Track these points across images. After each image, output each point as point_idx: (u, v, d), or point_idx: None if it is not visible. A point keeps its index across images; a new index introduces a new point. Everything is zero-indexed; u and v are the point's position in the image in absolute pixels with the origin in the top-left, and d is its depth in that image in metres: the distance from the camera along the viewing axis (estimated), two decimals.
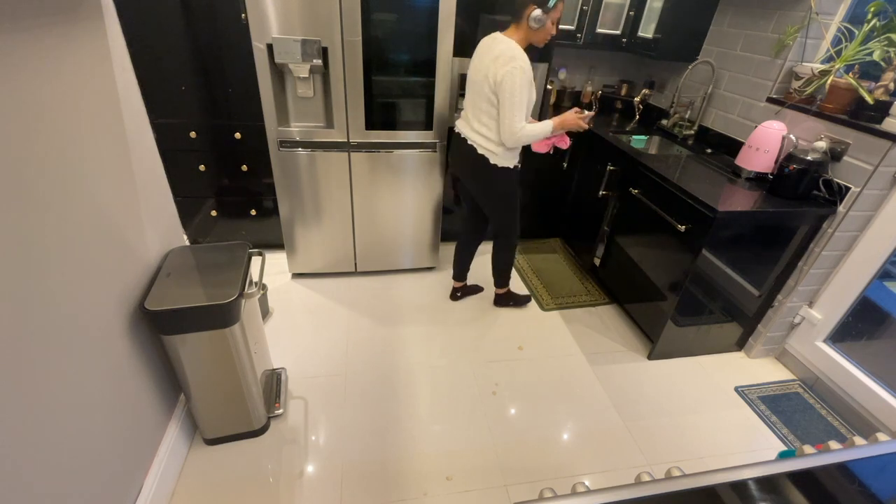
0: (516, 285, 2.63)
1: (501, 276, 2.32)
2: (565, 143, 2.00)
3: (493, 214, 2.09)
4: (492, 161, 1.84)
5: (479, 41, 1.83)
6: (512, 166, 1.89)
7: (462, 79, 2.51)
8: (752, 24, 2.18)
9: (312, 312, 2.27)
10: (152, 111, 2.07)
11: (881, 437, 0.76)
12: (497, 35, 1.75)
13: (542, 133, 1.81)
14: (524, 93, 1.69)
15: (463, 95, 2.53)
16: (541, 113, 2.53)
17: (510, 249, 2.21)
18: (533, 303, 2.49)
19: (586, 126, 1.90)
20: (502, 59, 1.67)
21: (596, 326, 2.34)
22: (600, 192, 2.41)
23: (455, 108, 2.49)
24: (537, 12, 1.65)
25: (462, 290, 2.45)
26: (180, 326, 1.27)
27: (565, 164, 2.75)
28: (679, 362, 2.15)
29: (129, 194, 1.27)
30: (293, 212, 2.27)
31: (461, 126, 1.93)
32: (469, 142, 1.87)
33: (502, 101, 1.70)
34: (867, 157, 1.69)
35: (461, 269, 2.38)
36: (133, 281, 1.26)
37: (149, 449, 1.34)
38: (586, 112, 1.90)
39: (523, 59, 1.68)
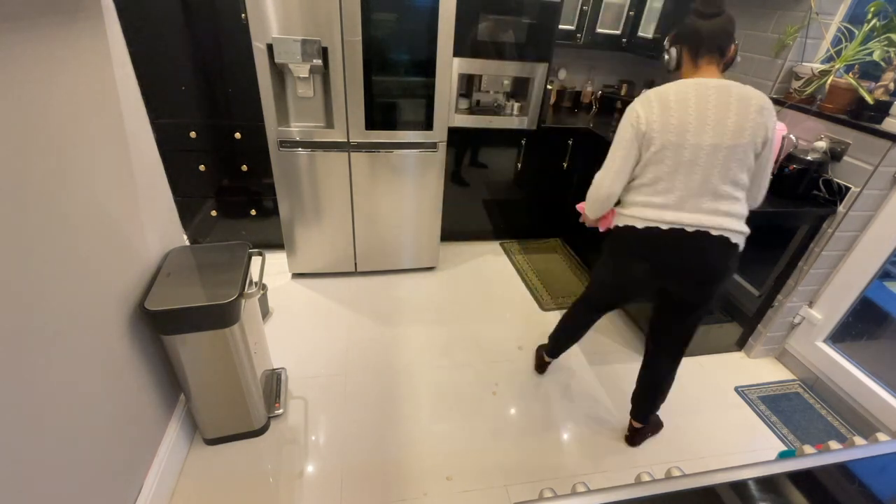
0: (516, 285, 2.62)
1: (656, 405, 1.67)
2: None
3: (688, 324, 1.50)
4: (740, 246, 1.31)
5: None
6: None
7: (462, 78, 2.51)
8: (752, 24, 2.18)
9: (312, 312, 2.27)
10: (152, 111, 2.07)
11: (881, 437, 0.76)
12: (725, 81, 1.23)
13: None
14: None
15: (463, 95, 2.54)
16: (540, 113, 2.53)
17: (676, 369, 1.62)
18: (533, 302, 2.49)
19: None
20: (768, 109, 1.22)
21: (596, 326, 2.33)
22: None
23: (455, 107, 2.50)
24: (738, 55, 1.36)
25: (547, 366, 2.00)
26: (180, 326, 1.27)
27: (566, 165, 2.75)
28: None
29: (129, 194, 1.27)
30: (293, 212, 2.27)
31: (690, 219, 1.27)
32: (715, 232, 1.27)
33: (769, 159, 1.29)
34: (867, 157, 1.69)
35: (562, 349, 1.92)
36: (133, 281, 1.26)
37: (149, 449, 1.34)
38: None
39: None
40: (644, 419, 1.67)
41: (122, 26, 1.25)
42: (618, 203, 1.45)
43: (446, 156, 2.29)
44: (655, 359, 1.61)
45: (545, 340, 2.22)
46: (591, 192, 1.45)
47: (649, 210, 1.32)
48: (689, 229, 1.28)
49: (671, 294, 1.44)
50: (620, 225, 1.40)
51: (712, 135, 1.22)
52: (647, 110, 1.27)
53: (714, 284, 1.35)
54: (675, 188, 1.28)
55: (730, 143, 1.21)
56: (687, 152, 1.24)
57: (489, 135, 2.57)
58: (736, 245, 1.30)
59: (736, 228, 1.28)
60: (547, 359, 1.97)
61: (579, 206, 1.63)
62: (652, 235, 1.32)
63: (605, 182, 1.39)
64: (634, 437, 1.72)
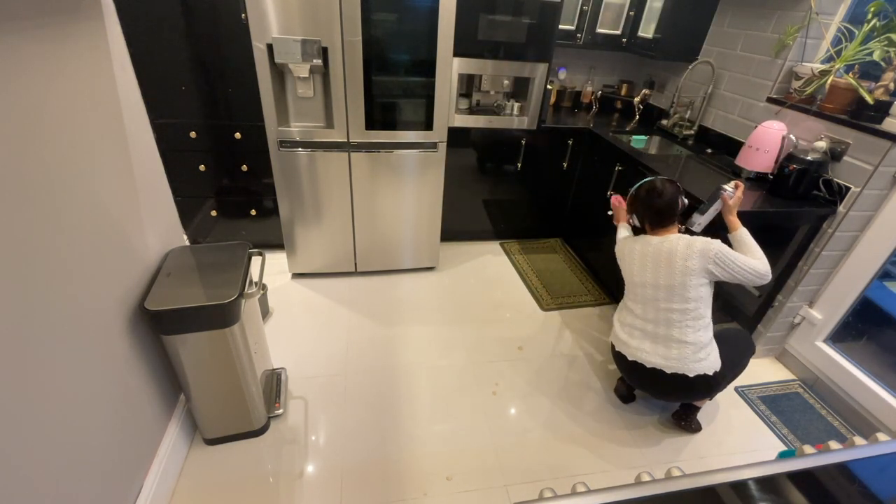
0: (516, 285, 2.63)
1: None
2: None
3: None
4: (709, 374, 1.54)
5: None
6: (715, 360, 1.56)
7: (462, 78, 2.51)
8: (752, 24, 2.18)
9: (312, 312, 2.27)
10: (152, 111, 2.07)
11: (881, 437, 0.76)
12: (664, 237, 1.56)
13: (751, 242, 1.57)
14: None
15: (463, 95, 2.54)
16: (540, 111, 2.53)
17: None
18: (533, 302, 2.49)
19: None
20: (695, 251, 1.49)
21: (596, 326, 2.34)
22: (608, 193, 2.41)
23: (455, 108, 2.50)
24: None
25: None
26: (180, 326, 1.27)
27: (566, 165, 2.75)
28: None
29: (129, 194, 1.27)
30: (293, 212, 2.27)
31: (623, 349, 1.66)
32: (649, 367, 1.59)
33: (722, 273, 1.47)
34: (867, 157, 1.69)
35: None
36: (133, 281, 1.26)
37: (149, 449, 1.34)
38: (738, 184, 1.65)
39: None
40: (681, 425, 1.82)
41: (122, 26, 1.25)
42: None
43: (446, 156, 2.29)
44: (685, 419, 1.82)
45: (545, 340, 2.22)
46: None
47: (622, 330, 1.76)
48: (647, 365, 1.61)
49: None
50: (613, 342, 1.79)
51: (651, 276, 1.58)
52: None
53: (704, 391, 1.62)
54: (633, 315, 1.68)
55: (664, 283, 1.55)
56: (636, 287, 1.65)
57: (489, 135, 2.57)
58: (700, 376, 1.55)
59: (695, 362, 1.54)
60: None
61: (614, 199, 1.91)
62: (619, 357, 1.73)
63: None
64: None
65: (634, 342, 1.64)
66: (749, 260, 1.48)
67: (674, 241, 1.54)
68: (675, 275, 1.52)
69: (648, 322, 1.61)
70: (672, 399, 1.78)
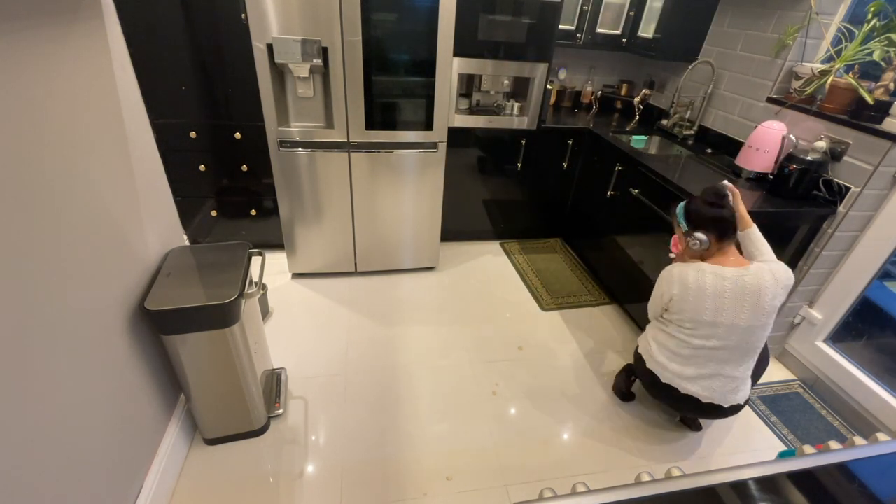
0: (516, 285, 2.63)
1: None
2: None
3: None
4: (741, 403, 1.52)
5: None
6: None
7: (462, 78, 2.51)
8: (752, 24, 2.18)
9: (312, 312, 2.27)
10: (152, 111, 2.07)
11: (881, 437, 0.76)
12: (743, 269, 1.40)
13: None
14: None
15: (463, 95, 2.54)
16: (540, 111, 2.53)
17: None
18: (533, 302, 2.49)
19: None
20: (784, 287, 1.39)
21: (596, 326, 2.34)
22: (608, 193, 2.41)
23: (455, 108, 2.50)
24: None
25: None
26: (180, 326, 1.27)
27: (566, 165, 2.75)
28: None
29: (129, 194, 1.27)
30: (293, 212, 2.27)
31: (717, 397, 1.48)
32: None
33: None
34: (867, 157, 1.69)
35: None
36: (133, 281, 1.26)
37: (149, 449, 1.34)
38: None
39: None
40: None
41: (122, 26, 1.25)
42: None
43: (446, 156, 2.29)
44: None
45: (545, 340, 2.22)
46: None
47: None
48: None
49: None
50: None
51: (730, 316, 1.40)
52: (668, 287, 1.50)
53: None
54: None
55: (746, 325, 1.39)
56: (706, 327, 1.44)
57: (489, 135, 2.57)
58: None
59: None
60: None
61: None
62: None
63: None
64: (692, 422, 1.81)
65: (675, 366, 1.51)
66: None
67: (756, 273, 1.37)
68: (760, 315, 1.37)
69: (700, 358, 1.46)
70: (691, 416, 1.72)
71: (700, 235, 1.43)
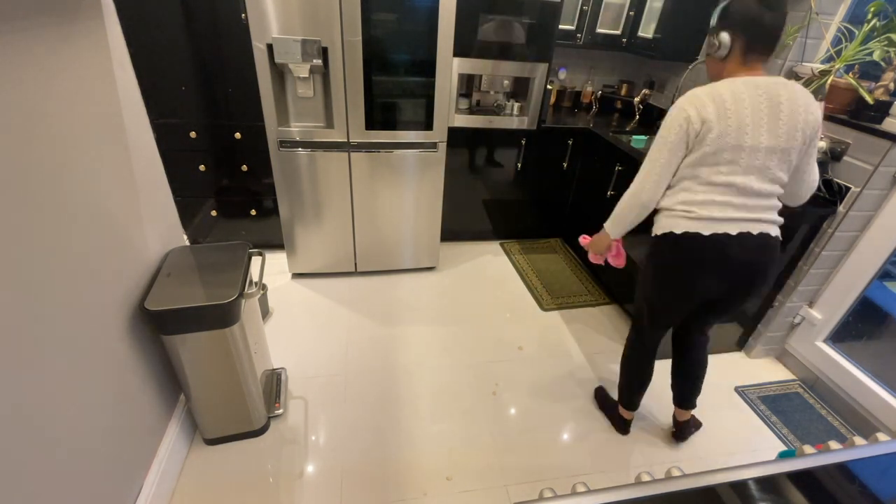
0: (516, 285, 2.63)
1: (698, 388, 1.68)
2: (621, 262, 1.63)
3: (737, 308, 1.47)
4: (779, 238, 1.32)
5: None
6: None
7: (462, 78, 2.51)
8: None
9: (312, 312, 2.27)
10: (152, 111, 2.07)
11: (881, 437, 0.76)
12: (772, 79, 1.19)
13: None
14: None
15: (463, 95, 2.54)
16: (541, 113, 2.53)
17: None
18: (533, 302, 2.49)
19: None
20: (812, 100, 1.20)
21: (596, 326, 2.34)
22: (608, 193, 2.41)
23: (455, 107, 2.50)
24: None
25: (631, 423, 1.78)
26: (180, 326, 1.27)
27: (566, 164, 2.75)
28: None
29: (129, 194, 1.27)
30: (293, 212, 2.27)
31: (730, 215, 1.24)
32: (759, 232, 1.25)
33: (813, 149, 1.25)
34: (867, 157, 1.69)
35: (641, 398, 1.71)
36: (133, 281, 1.26)
37: (149, 449, 1.34)
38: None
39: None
40: (694, 404, 1.67)
41: (122, 26, 1.25)
42: (654, 212, 1.37)
43: (446, 156, 2.29)
44: (692, 346, 1.60)
45: (545, 340, 2.22)
46: (628, 200, 1.35)
47: (711, 209, 1.24)
48: (755, 233, 1.25)
49: (721, 300, 1.39)
50: (678, 232, 1.28)
51: (767, 137, 1.18)
52: (700, 109, 1.19)
53: (764, 284, 1.35)
54: (732, 192, 1.23)
55: (784, 146, 1.19)
56: (745, 154, 1.19)
57: (489, 135, 2.57)
58: (778, 239, 1.31)
59: (778, 222, 1.30)
60: (629, 415, 1.73)
61: (582, 240, 1.62)
62: (720, 244, 1.25)
63: (648, 186, 1.29)
64: (684, 431, 1.71)
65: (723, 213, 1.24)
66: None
67: (786, 82, 1.17)
68: (796, 132, 1.17)
69: (739, 207, 1.23)
70: (750, 282, 1.33)
71: (724, 36, 1.18)
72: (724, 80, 1.21)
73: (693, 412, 1.72)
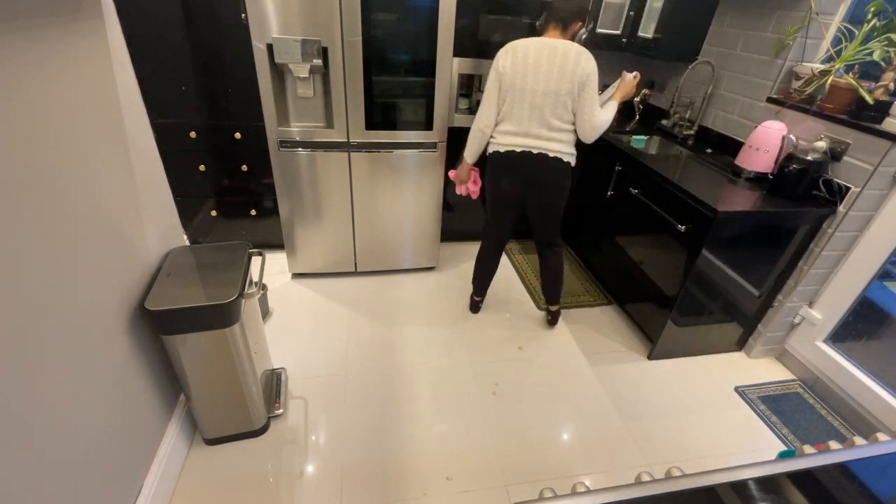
0: (515, 285, 2.63)
1: (560, 292, 2.22)
2: (477, 191, 2.13)
3: (552, 222, 2.02)
4: (571, 164, 1.85)
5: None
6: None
7: (462, 78, 2.51)
8: (752, 24, 2.18)
9: (312, 312, 2.27)
10: (152, 111, 2.07)
11: (881, 437, 0.76)
12: (550, 40, 1.68)
13: (611, 116, 1.81)
14: None
15: (464, 95, 2.54)
16: None
17: (562, 254, 2.15)
18: (532, 303, 2.49)
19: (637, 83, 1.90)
20: (585, 56, 1.66)
21: (596, 326, 2.34)
22: (608, 193, 2.41)
23: (455, 108, 2.50)
24: (583, 31, 1.83)
25: (482, 303, 2.40)
26: (180, 326, 1.27)
27: None
28: (679, 362, 2.15)
29: (129, 194, 1.27)
30: (293, 212, 2.27)
31: (531, 143, 1.78)
32: (553, 154, 1.78)
33: (587, 96, 1.70)
34: (867, 157, 1.69)
35: (486, 281, 2.30)
36: (133, 281, 1.26)
37: (149, 449, 1.34)
38: (634, 73, 1.87)
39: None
40: (559, 299, 2.24)
41: (122, 26, 1.25)
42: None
43: (446, 156, 2.29)
44: (546, 255, 2.13)
45: (545, 340, 2.23)
46: (472, 128, 1.88)
47: (507, 137, 1.81)
48: (534, 151, 1.80)
49: (530, 202, 1.95)
50: (490, 152, 1.89)
51: (544, 83, 1.69)
52: (503, 58, 1.74)
53: (556, 191, 1.90)
54: (521, 122, 1.77)
55: (555, 90, 1.69)
56: (527, 95, 1.72)
57: None
58: (568, 163, 1.85)
59: (566, 151, 1.82)
60: (477, 298, 2.35)
61: (451, 174, 2.13)
62: (510, 157, 1.83)
63: (481, 116, 1.83)
64: (555, 318, 2.29)
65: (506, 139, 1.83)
66: (597, 107, 1.74)
67: (569, 43, 1.67)
68: (564, 79, 1.67)
69: (520, 135, 1.79)
70: (538, 190, 1.90)
71: (544, 12, 1.75)
72: (532, 38, 1.72)
73: (559, 306, 2.28)
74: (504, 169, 1.86)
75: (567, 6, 1.68)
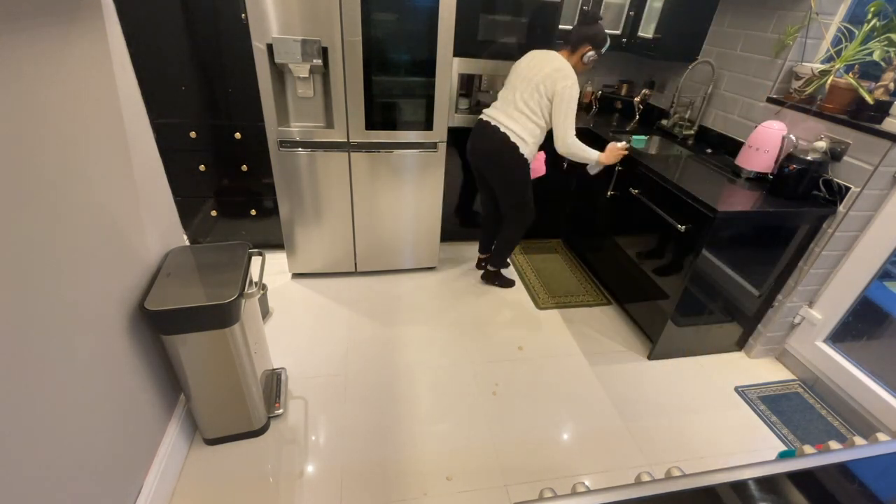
0: (516, 285, 2.63)
1: (500, 256, 2.48)
2: (541, 170, 2.33)
3: (505, 197, 2.26)
4: (521, 150, 2.07)
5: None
6: (529, 161, 2.16)
7: (462, 78, 2.52)
8: (752, 24, 2.18)
9: (312, 312, 2.27)
10: (152, 111, 2.07)
11: (881, 437, 0.76)
12: (554, 53, 1.99)
13: (586, 156, 2.06)
14: (575, 109, 1.98)
15: (463, 95, 2.54)
16: None
17: (517, 229, 2.35)
18: (532, 303, 2.49)
19: (624, 154, 2.14)
20: (562, 73, 1.92)
21: (596, 326, 2.34)
22: (608, 193, 2.41)
23: (455, 107, 2.50)
24: (591, 53, 2.00)
25: (486, 260, 2.60)
26: (180, 326, 1.27)
27: (565, 165, 2.75)
28: (679, 362, 2.15)
29: (129, 194, 1.27)
30: (293, 212, 2.27)
31: (493, 114, 2.09)
32: (502, 129, 2.04)
33: (559, 110, 1.97)
34: (867, 157, 1.69)
35: (487, 241, 2.61)
36: (133, 281, 1.26)
37: (149, 449, 1.34)
38: (623, 143, 2.13)
39: (576, 81, 1.95)
40: (495, 262, 2.51)
41: (122, 26, 1.25)
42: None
43: (446, 156, 2.29)
44: (504, 221, 2.38)
45: (545, 340, 2.23)
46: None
47: (487, 109, 2.16)
48: (491, 122, 2.08)
49: (483, 168, 2.22)
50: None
51: (525, 70, 2.00)
52: (519, 60, 2.10)
53: (499, 163, 2.13)
54: (499, 99, 2.11)
55: (528, 76, 1.98)
56: (512, 80, 2.07)
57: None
58: (515, 144, 2.05)
59: (518, 133, 2.04)
60: (481, 255, 2.68)
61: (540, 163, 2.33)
62: (478, 124, 2.16)
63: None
64: (488, 277, 2.59)
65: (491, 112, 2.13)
66: (570, 127, 1.99)
67: (554, 54, 1.99)
68: (537, 74, 1.97)
69: (506, 103, 2.09)
70: (489, 161, 2.17)
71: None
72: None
73: (493, 269, 2.55)
74: (471, 135, 2.20)
75: (576, 31, 1.98)
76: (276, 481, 1.49)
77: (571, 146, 2.03)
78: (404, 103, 2.11)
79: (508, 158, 2.08)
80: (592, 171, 2.20)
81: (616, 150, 2.10)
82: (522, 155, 2.07)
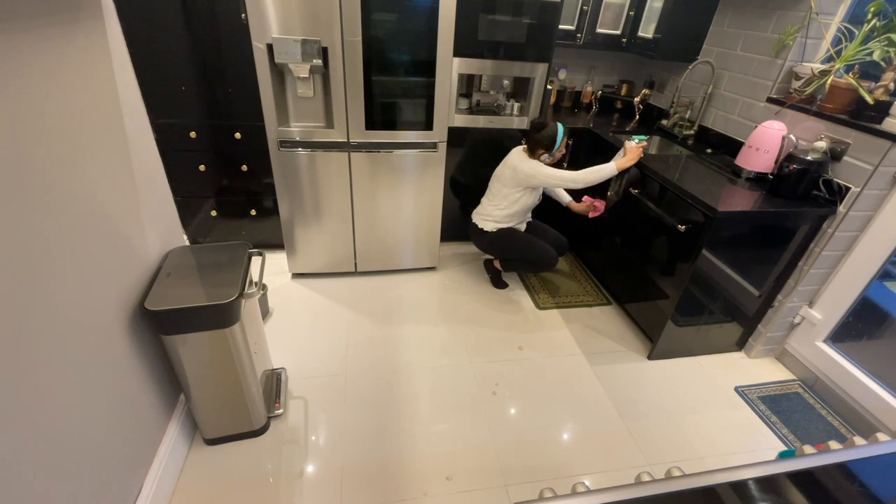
0: (515, 285, 2.63)
1: (512, 267, 2.52)
2: (600, 209, 2.38)
3: (504, 259, 2.53)
4: (485, 229, 2.38)
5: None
6: (505, 226, 2.39)
7: (462, 78, 2.52)
8: (752, 24, 2.18)
9: (312, 312, 2.27)
10: (152, 111, 2.07)
11: (881, 437, 0.76)
12: (516, 153, 2.25)
13: (601, 175, 2.13)
14: (550, 167, 2.20)
15: (463, 95, 2.55)
16: (541, 111, 2.53)
17: (531, 269, 2.50)
18: (532, 303, 2.49)
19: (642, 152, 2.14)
20: (514, 156, 2.25)
21: (596, 326, 2.34)
22: (608, 193, 2.41)
23: (455, 108, 2.50)
24: (545, 156, 2.20)
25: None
26: (180, 326, 1.27)
27: (565, 165, 2.75)
28: (679, 362, 2.15)
29: (129, 194, 1.27)
30: (293, 212, 2.27)
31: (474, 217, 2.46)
32: (474, 220, 2.45)
33: (543, 178, 2.17)
34: (867, 157, 1.69)
35: None
36: (133, 281, 1.26)
37: (149, 449, 1.34)
38: (638, 140, 2.16)
39: (536, 164, 2.18)
40: (503, 266, 2.56)
41: (122, 26, 1.25)
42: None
43: (446, 156, 2.29)
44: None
45: (545, 340, 2.23)
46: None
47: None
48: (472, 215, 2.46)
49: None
50: None
51: (499, 170, 2.31)
52: None
53: (480, 240, 2.45)
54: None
55: (498, 174, 2.31)
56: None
57: (489, 135, 2.57)
58: (482, 228, 2.38)
59: (484, 217, 2.38)
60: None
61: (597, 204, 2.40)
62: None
63: None
64: (491, 267, 2.63)
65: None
66: (564, 173, 2.14)
67: (519, 152, 2.24)
68: (505, 170, 2.25)
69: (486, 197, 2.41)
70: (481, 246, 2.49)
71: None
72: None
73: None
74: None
75: (531, 137, 2.17)
76: (276, 481, 1.49)
77: (580, 179, 2.12)
78: (404, 103, 2.11)
79: (479, 239, 2.44)
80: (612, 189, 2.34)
81: (633, 149, 2.10)
82: (483, 230, 2.37)
